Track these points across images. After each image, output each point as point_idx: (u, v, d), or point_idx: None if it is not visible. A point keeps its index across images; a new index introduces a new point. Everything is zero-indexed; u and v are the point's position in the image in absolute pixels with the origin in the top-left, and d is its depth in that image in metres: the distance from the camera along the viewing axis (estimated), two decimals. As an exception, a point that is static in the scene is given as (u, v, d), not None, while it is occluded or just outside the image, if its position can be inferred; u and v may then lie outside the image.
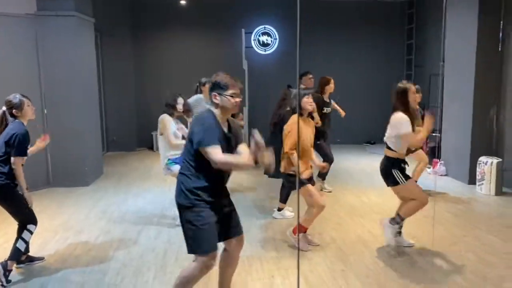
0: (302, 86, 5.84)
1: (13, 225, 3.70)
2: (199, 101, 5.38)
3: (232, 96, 2.67)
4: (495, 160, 5.88)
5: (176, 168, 4.31)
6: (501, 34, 6.14)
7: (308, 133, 4.03)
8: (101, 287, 3.39)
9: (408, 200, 3.91)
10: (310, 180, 4.05)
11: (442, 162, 7.10)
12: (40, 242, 4.20)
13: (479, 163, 6.06)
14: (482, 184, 6.00)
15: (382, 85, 9.51)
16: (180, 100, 4.63)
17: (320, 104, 5.62)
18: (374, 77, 10.02)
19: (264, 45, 9.87)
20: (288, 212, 5.05)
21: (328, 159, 5.81)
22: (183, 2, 9.52)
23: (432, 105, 8.84)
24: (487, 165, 5.91)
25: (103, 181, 6.85)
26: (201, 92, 5.48)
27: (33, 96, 6.07)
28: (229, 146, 2.70)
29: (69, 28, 6.24)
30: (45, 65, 6.22)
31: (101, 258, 3.94)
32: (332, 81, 5.87)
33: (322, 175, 6.05)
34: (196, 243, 2.63)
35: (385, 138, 3.92)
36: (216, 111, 2.70)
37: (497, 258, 3.84)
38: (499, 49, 6.21)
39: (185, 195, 2.65)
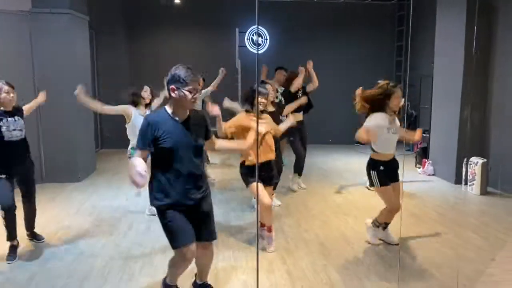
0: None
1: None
2: None
3: (190, 92, 2.63)
4: (480, 161, 6.00)
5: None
6: (475, 36, 6.26)
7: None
8: (88, 279, 3.48)
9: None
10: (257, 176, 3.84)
11: (430, 162, 7.22)
12: (31, 235, 4.29)
13: (465, 163, 6.18)
14: (468, 184, 6.13)
15: (372, 86, 9.58)
16: (146, 88, 4.68)
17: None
18: (364, 78, 10.03)
19: (258, 44, 9.94)
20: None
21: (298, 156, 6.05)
22: (177, 1, 9.60)
23: (423, 106, 8.97)
24: (472, 165, 6.03)
25: (96, 177, 6.92)
26: None
27: (26, 93, 6.21)
28: (185, 137, 2.68)
29: (63, 26, 6.30)
30: (39, 62, 6.28)
31: (89, 251, 4.02)
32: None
33: (298, 170, 6.16)
34: (170, 238, 2.79)
35: None
36: (170, 107, 2.71)
37: (475, 254, 3.95)
38: (487, 51, 6.34)
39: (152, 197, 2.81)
